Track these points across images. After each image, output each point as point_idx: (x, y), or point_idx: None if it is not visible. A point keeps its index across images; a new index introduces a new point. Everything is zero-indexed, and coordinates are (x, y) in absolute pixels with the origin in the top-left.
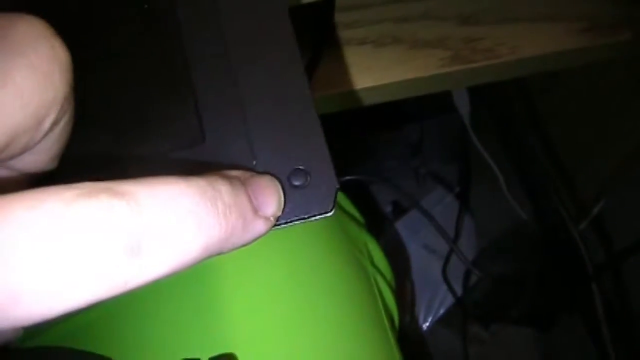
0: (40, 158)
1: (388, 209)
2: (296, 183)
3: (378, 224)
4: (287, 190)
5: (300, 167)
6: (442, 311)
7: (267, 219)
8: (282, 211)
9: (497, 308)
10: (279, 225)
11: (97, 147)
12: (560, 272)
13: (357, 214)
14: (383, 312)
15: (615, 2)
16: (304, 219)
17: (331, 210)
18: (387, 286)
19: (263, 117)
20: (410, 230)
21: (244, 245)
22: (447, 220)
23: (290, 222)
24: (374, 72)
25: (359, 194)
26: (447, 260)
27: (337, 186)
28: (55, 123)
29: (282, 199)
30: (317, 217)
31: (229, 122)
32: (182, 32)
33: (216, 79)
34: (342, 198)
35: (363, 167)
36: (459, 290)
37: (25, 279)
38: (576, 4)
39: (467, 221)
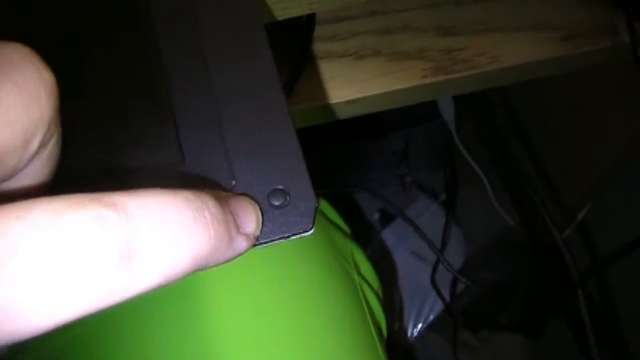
0: (28, 184)
1: (375, 217)
2: (276, 203)
3: (365, 233)
4: (267, 210)
5: (280, 187)
6: (432, 318)
7: (248, 236)
8: (262, 231)
9: (486, 314)
10: (259, 244)
11: (78, 168)
12: (547, 278)
13: (343, 224)
14: (370, 322)
15: (595, 10)
16: (284, 238)
17: (310, 229)
18: (374, 296)
19: (242, 137)
20: (398, 237)
21: (225, 262)
22: (434, 228)
23: (271, 241)
24: (356, 84)
25: (345, 204)
26: (435, 267)
27: (316, 205)
28: (42, 145)
29: (261, 219)
30: (297, 236)
31: (208, 142)
32: (161, 52)
33: (195, 99)
34: (327, 208)
35: (349, 176)
36: (448, 297)
37: (16, 292)
38: (556, 12)
39: (454, 228)
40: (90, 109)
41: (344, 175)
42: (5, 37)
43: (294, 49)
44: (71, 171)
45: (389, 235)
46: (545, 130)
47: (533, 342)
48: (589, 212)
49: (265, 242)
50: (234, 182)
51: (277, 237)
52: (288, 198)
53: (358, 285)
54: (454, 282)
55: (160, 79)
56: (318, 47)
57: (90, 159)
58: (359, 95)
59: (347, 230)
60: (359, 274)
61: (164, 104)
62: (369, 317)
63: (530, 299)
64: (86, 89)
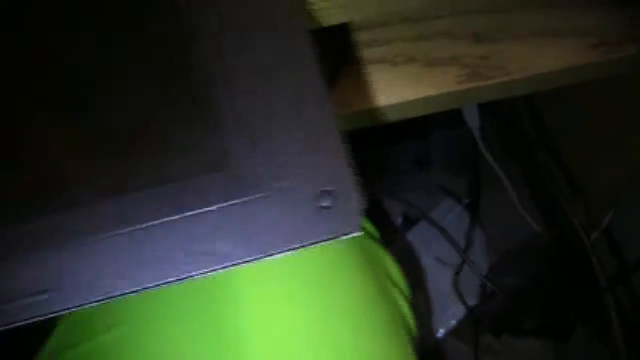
0: None
1: (398, 221)
2: (323, 204)
3: (388, 237)
4: (314, 211)
5: (327, 188)
6: (453, 323)
7: None
8: (310, 231)
9: (509, 319)
10: (306, 245)
11: (117, 170)
12: (574, 283)
13: (372, 229)
14: (402, 327)
15: (625, 16)
16: (331, 239)
17: (358, 230)
18: (404, 300)
19: (288, 140)
20: (421, 242)
21: None
22: (457, 232)
23: (318, 242)
24: (391, 90)
25: (369, 208)
26: (458, 271)
27: (364, 206)
28: None
29: None
30: (344, 237)
31: (254, 145)
32: (205, 54)
33: (240, 102)
34: None
35: (373, 180)
36: (470, 302)
37: None
38: (587, 19)
39: (477, 232)
40: (132, 111)
41: (368, 180)
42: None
43: (331, 55)
44: (117, 175)
45: (412, 240)
46: (570, 134)
47: (558, 348)
48: (614, 217)
49: (313, 243)
50: (280, 184)
51: (324, 239)
52: (335, 199)
53: (389, 290)
54: (477, 287)
55: (204, 82)
56: (353, 53)
57: (135, 164)
58: (395, 101)
59: (377, 234)
60: (389, 277)
61: (209, 108)
62: (400, 322)
63: (555, 304)
64: (126, 90)
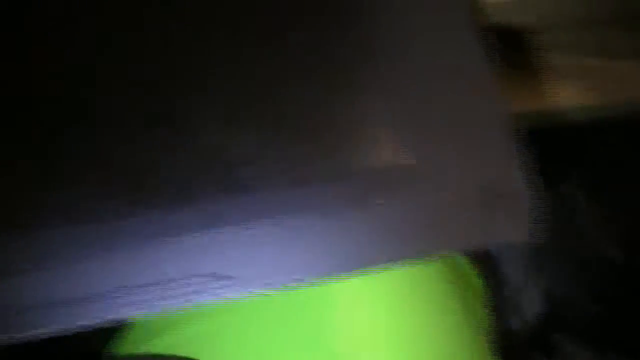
0: None
1: None
2: (487, 205)
3: None
4: (478, 212)
5: (493, 187)
6: (504, 337)
7: None
8: (470, 233)
9: (560, 336)
10: (466, 247)
11: (296, 159)
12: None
13: None
14: (478, 331)
15: None
16: (494, 243)
17: (524, 237)
18: (478, 301)
19: (454, 135)
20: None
21: None
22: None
23: (479, 245)
24: (520, 98)
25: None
26: (516, 285)
27: (531, 211)
28: None
29: None
30: (509, 240)
31: (421, 140)
32: (375, 52)
33: (408, 96)
34: None
35: None
36: (522, 317)
37: None
38: None
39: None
40: (308, 101)
41: None
42: None
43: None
44: (295, 164)
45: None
46: None
47: None
48: None
49: (474, 246)
50: (445, 179)
51: (487, 242)
52: (501, 200)
53: (469, 297)
54: (530, 301)
55: (374, 76)
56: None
57: (311, 156)
58: (523, 110)
59: None
60: (463, 276)
61: (375, 92)
62: (479, 329)
63: (628, 326)
64: (310, 82)
